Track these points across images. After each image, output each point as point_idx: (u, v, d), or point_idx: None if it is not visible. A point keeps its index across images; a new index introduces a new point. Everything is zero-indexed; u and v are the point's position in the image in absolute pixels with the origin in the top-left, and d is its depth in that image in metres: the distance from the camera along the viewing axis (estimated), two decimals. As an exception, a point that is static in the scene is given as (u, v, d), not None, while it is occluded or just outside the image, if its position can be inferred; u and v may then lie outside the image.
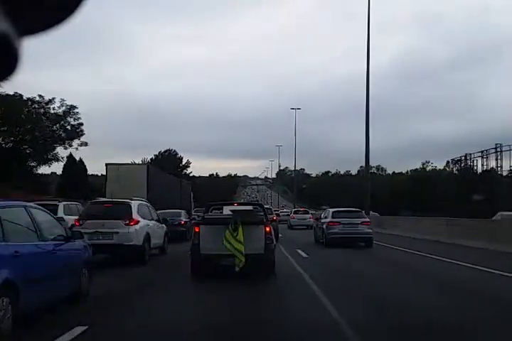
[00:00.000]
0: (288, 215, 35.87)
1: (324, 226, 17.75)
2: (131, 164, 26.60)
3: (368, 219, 18.15)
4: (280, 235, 20.81)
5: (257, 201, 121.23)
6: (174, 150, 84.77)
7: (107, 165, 25.70)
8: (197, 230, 9.36)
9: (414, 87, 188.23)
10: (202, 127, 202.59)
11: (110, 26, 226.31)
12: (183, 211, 22.62)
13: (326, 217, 18.34)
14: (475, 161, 56.76)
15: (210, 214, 11.70)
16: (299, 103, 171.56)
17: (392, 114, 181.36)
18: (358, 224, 17.38)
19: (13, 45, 0.75)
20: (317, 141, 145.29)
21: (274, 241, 9.89)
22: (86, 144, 38.80)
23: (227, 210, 11.04)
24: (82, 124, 38.68)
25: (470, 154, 57.76)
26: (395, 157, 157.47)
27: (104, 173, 26.15)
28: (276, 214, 28.28)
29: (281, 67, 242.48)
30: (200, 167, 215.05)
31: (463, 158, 58.86)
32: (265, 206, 20.56)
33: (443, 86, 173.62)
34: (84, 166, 42.15)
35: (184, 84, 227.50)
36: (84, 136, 38.79)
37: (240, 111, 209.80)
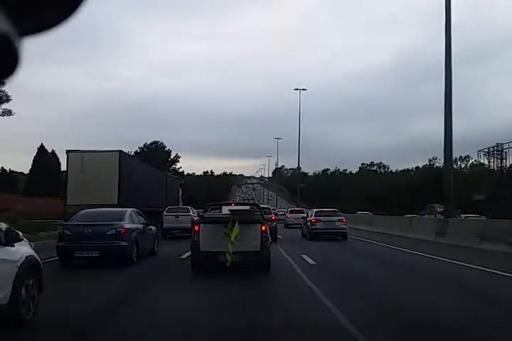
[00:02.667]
0: (284, 214, 37.53)
1: (308, 223, 21.12)
2: (99, 151, 21.65)
3: (343, 217, 21.10)
4: (279, 236, 20.49)
5: (253, 199, 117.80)
6: (161, 143, 77.72)
7: (68, 152, 20.95)
8: (197, 228, 9.85)
9: (414, 85, 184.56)
10: (198, 125, 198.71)
11: (108, 23, 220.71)
12: (129, 210, 12.93)
13: (311, 216, 21.74)
14: (503, 153, 51.66)
15: (209, 213, 11.98)
16: (297, 102, 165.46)
17: (390, 112, 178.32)
18: (336, 221, 20.70)
19: (13, 45, 0.75)
20: (313, 140, 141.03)
21: (270, 239, 10.16)
22: (10, 113, 30.81)
23: (225, 210, 11.40)
24: (3, 83, 31.38)
25: (501, 144, 52.81)
26: (395, 155, 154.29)
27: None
28: (274, 213, 26.53)
29: (281, 66, 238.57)
30: (194, 165, 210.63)
31: (492, 148, 53.74)
32: (264, 205, 22.06)
33: (442, 85, 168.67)
34: (57, 159, 37.09)
35: (181, 82, 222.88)
36: (11, 103, 31.07)
37: (237, 110, 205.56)
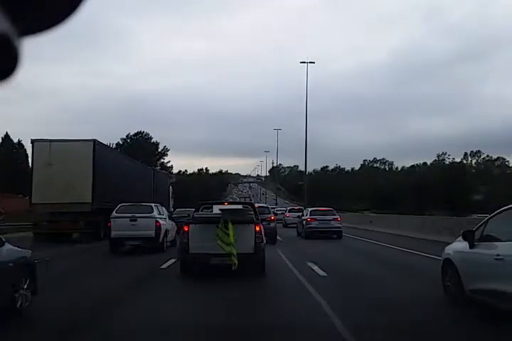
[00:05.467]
0: (283, 213, 36.92)
1: (304, 222, 21.81)
2: (70, 140, 19.11)
3: (337, 216, 21.83)
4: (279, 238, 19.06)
5: (249, 197, 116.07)
6: (147, 134, 70.16)
7: (33, 141, 18.45)
8: (186, 229, 9.62)
9: (413, 84, 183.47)
10: (193, 124, 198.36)
11: (105, 21, 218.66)
12: None
13: (305, 215, 22.48)
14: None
15: (199, 213, 11.46)
16: (296, 100, 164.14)
17: (390, 110, 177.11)
18: (330, 220, 21.39)
19: (13, 45, 0.77)
20: (312, 138, 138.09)
21: (264, 240, 9.93)
22: None
23: (216, 209, 10.87)
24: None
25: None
26: (394, 153, 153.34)
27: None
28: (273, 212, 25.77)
29: (280, 65, 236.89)
30: (189, 164, 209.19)
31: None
32: (262, 204, 22.72)
33: (442, 82, 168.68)
34: (24, 151, 33.54)
35: (179, 81, 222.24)
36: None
37: (235, 109, 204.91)
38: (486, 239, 6.10)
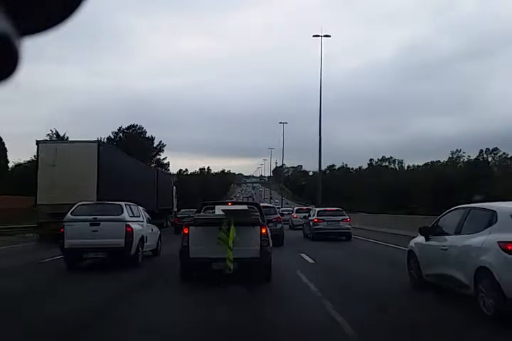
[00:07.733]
0: (290, 214, 36.58)
1: (311, 223, 21.48)
2: (75, 141, 19.74)
3: (347, 217, 21.69)
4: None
5: (252, 196, 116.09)
6: (141, 127, 64.11)
7: (38, 143, 19.05)
8: (186, 232, 9.32)
9: (412, 82, 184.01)
10: (195, 124, 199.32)
11: (106, 19, 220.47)
12: None
13: (313, 215, 22.10)
14: None
15: (201, 214, 11.16)
16: (297, 100, 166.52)
17: (391, 109, 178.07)
18: (339, 221, 21.14)
19: (13, 45, 0.78)
20: (314, 138, 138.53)
21: (271, 244, 9.61)
22: None
23: (219, 210, 10.46)
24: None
25: None
26: (400, 151, 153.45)
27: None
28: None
29: (281, 63, 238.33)
30: (192, 165, 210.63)
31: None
32: (267, 204, 22.05)
33: (445, 80, 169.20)
34: (3, 144, 32.06)
35: (178, 80, 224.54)
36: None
37: (236, 109, 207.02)
38: (438, 233, 7.81)
